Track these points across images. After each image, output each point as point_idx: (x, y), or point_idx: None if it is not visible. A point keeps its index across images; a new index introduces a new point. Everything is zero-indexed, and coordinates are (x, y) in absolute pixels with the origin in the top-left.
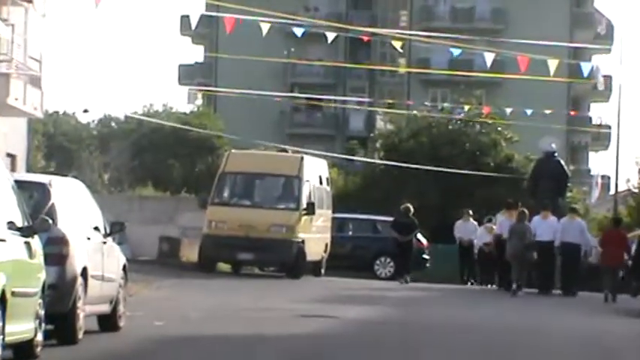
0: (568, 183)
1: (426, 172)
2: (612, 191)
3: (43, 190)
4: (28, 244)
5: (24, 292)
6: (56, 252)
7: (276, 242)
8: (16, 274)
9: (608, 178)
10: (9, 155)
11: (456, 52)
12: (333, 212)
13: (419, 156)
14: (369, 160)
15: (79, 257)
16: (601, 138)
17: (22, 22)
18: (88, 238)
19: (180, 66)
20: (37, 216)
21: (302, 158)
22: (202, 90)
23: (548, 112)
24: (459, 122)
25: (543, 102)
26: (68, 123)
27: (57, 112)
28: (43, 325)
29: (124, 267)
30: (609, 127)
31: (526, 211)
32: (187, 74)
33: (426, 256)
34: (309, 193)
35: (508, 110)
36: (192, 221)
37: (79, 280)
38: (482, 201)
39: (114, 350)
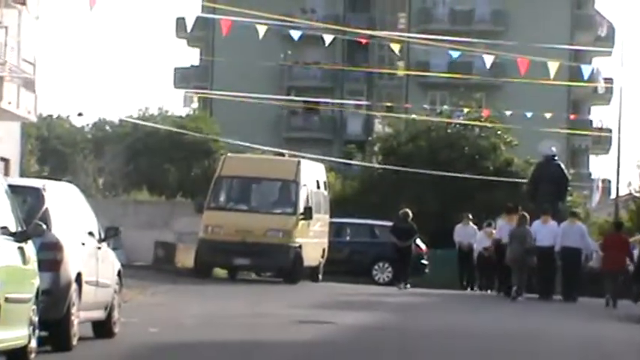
0: (568, 187)
1: (425, 176)
2: (613, 195)
3: (37, 194)
4: (21, 249)
5: (17, 298)
6: (50, 257)
7: (273, 247)
8: (10, 279)
9: (609, 181)
10: (2, 159)
11: (455, 54)
12: (331, 217)
13: (417, 160)
14: (366, 164)
15: (73, 263)
16: (602, 141)
17: (15, 24)
18: (83, 244)
19: (175, 69)
20: (31, 221)
21: (299, 162)
22: (198, 93)
23: (548, 115)
24: (458, 126)
25: (543, 105)
26: (62, 127)
27: (51, 116)
28: (36, 331)
29: (119, 273)
30: (610, 131)
31: (527, 215)
32: (183, 77)
33: (424, 262)
34: (307, 197)
35: (508, 113)
36: (188, 226)
37: (74, 285)
38: (482, 205)
39: (108, 357)
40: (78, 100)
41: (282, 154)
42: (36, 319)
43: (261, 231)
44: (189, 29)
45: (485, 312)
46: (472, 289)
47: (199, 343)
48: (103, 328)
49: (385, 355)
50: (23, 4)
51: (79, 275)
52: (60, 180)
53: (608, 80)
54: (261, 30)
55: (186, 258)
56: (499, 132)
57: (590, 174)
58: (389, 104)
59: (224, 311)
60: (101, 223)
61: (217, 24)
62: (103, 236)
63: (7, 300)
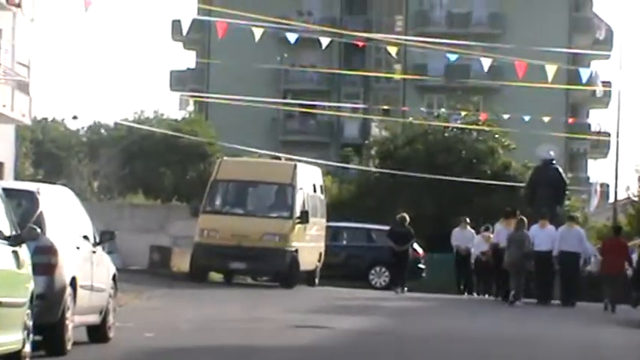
0: (566, 191)
1: (422, 180)
2: (611, 199)
3: (31, 198)
4: (15, 253)
5: (11, 303)
6: (45, 261)
7: (269, 251)
8: (4, 283)
9: (608, 186)
10: None
11: (453, 57)
12: (328, 221)
13: (414, 163)
14: (363, 167)
15: (68, 267)
16: (600, 145)
17: (9, 26)
18: (78, 248)
19: (171, 72)
20: (25, 225)
21: (295, 166)
22: (194, 96)
23: (546, 119)
24: (455, 129)
25: (541, 108)
26: (57, 130)
27: (45, 119)
28: (31, 335)
29: (114, 277)
30: (608, 134)
31: (524, 219)
32: (179, 80)
33: (421, 266)
34: (303, 201)
35: (505, 117)
36: (183, 230)
37: (68, 290)
38: (479, 209)
39: None
40: (73, 103)
41: (279, 158)
42: (30, 323)
43: (257, 235)
44: (185, 32)
45: (482, 317)
46: (470, 293)
47: (195, 348)
48: (97, 333)
49: None
50: (18, 6)
51: (73, 279)
52: (55, 183)
53: (607, 83)
54: (257, 33)
55: (181, 262)
56: (497, 135)
57: (588, 178)
58: (386, 107)
59: (220, 316)
60: (96, 226)
61: (213, 26)
62: (97, 240)
63: (0, 304)
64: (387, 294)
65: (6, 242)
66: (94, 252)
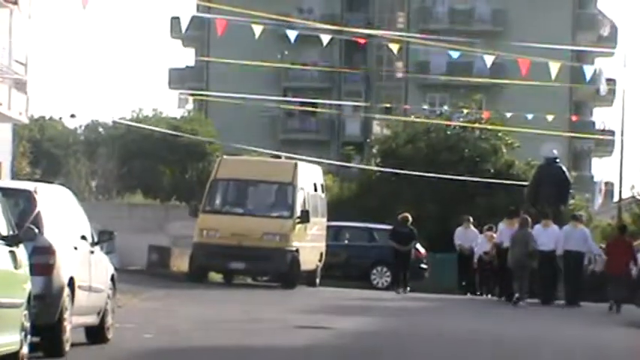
0: (570, 190)
1: (424, 179)
2: (616, 198)
3: (29, 197)
4: (13, 253)
5: (9, 303)
6: (42, 262)
7: (269, 251)
8: (1, 284)
9: (612, 184)
10: None
11: (455, 54)
12: (328, 220)
13: (416, 162)
14: (365, 166)
15: (65, 267)
16: (604, 143)
17: (6, 24)
18: (75, 248)
19: (170, 69)
20: (23, 225)
21: (296, 165)
22: (193, 94)
23: (550, 117)
24: (457, 127)
25: (545, 106)
26: (55, 128)
27: (43, 117)
28: (28, 337)
29: (113, 277)
30: (613, 133)
31: (528, 218)
32: (178, 78)
33: (424, 266)
34: (304, 200)
35: (508, 115)
36: (182, 230)
37: (66, 290)
38: (482, 208)
39: None
40: (70, 102)
41: (279, 157)
42: (28, 324)
43: (257, 235)
44: (184, 29)
45: (486, 317)
46: (473, 293)
47: (194, 349)
48: (96, 334)
49: None
50: (15, 3)
51: (71, 280)
52: (52, 183)
53: (611, 81)
54: (257, 30)
55: (181, 262)
56: (500, 134)
57: (592, 177)
58: (387, 105)
59: (220, 316)
60: (94, 226)
61: (212, 24)
62: (96, 240)
63: None
64: (388, 294)
65: (3, 242)
66: (92, 252)
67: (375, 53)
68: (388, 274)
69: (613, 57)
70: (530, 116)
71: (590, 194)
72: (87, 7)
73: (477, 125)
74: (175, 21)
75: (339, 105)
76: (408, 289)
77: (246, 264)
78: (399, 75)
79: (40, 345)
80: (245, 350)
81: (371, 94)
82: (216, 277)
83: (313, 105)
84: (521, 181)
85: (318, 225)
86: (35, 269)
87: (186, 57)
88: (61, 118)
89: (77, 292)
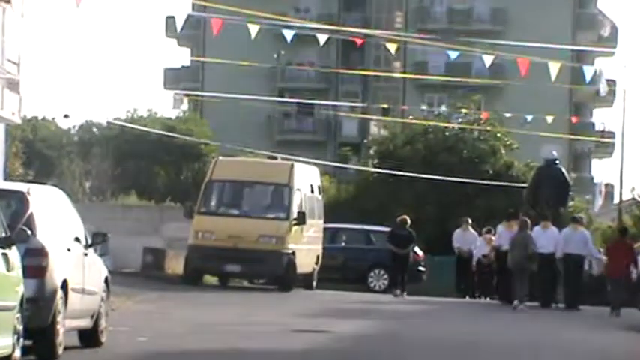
0: (570, 192)
1: (422, 181)
2: (616, 200)
3: (22, 199)
4: (5, 255)
5: (1, 306)
6: (35, 264)
7: (265, 253)
8: None
9: (612, 186)
10: None
11: (454, 54)
12: (325, 222)
13: (414, 163)
14: (362, 167)
15: (59, 269)
16: (604, 145)
17: None
18: (69, 250)
19: (165, 69)
20: (15, 226)
21: (292, 166)
22: (188, 94)
23: (549, 119)
24: (456, 128)
25: (544, 107)
26: (48, 129)
27: (36, 118)
28: (21, 340)
29: (106, 279)
30: (613, 134)
31: (528, 220)
32: (173, 78)
33: (422, 268)
34: (300, 202)
35: (507, 116)
36: (177, 232)
37: (59, 293)
38: (481, 210)
39: None
40: (64, 102)
41: (275, 158)
42: (20, 327)
43: (253, 237)
44: (179, 28)
45: (484, 320)
46: (472, 296)
47: (189, 352)
48: (89, 337)
49: None
50: (7, 1)
51: (65, 282)
52: (45, 184)
53: (611, 82)
54: (253, 29)
55: (175, 264)
56: (499, 135)
57: (592, 178)
58: (385, 106)
59: (215, 319)
60: (88, 228)
61: (208, 23)
62: (89, 242)
63: None
64: (386, 297)
65: None
66: (85, 254)
67: (373, 53)
68: (386, 276)
69: (613, 57)
70: (529, 117)
71: (590, 196)
72: (80, 5)
73: (475, 127)
74: (170, 20)
75: (336, 105)
76: (405, 293)
77: (242, 266)
78: (397, 75)
79: (32, 348)
80: (240, 354)
81: (368, 94)
82: (211, 279)
83: (310, 105)
84: (520, 182)
85: (315, 227)
86: (28, 271)
87: (182, 57)
88: (54, 119)
89: (70, 294)
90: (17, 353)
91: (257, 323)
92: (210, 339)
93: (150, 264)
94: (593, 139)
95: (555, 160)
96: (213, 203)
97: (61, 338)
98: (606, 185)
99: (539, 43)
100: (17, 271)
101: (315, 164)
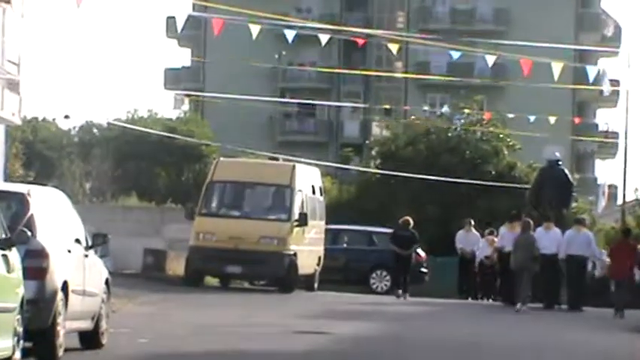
0: (573, 193)
1: (424, 182)
2: (620, 201)
3: (22, 200)
4: (5, 257)
5: (1, 308)
6: (35, 265)
7: (266, 255)
8: None
9: (616, 187)
10: None
11: (456, 55)
12: (327, 223)
13: (416, 164)
14: (364, 168)
15: (59, 271)
16: (608, 145)
17: None
18: (69, 251)
19: (166, 70)
20: (16, 227)
21: (294, 167)
22: (189, 95)
23: (552, 119)
24: (458, 128)
25: (547, 107)
26: (48, 130)
27: (36, 118)
28: (21, 342)
29: (107, 281)
30: (617, 134)
31: (531, 222)
32: (173, 78)
33: (424, 270)
34: (302, 203)
35: (510, 116)
36: (178, 233)
37: (60, 295)
38: (483, 212)
39: None
40: (64, 102)
41: (276, 159)
42: (20, 329)
43: (254, 238)
44: (179, 29)
45: (487, 322)
46: (474, 298)
47: (190, 354)
48: (90, 339)
49: None
50: (7, 2)
51: (65, 284)
52: (45, 185)
53: (615, 82)
54: (255, 30)
55: (176, 266)
56: (501, 135)
57: (596, 179)
58: (387, 106)
59: (216, 321)
60: (88, 229)
61: (209, 23)
62: (90, 243)
63: None
64: (388, 299)
65: None
66: (86, 256)
67: (375, 53)
68: (388, 278)
69: (617, 57)
70: (532, 118)
71: (593, 197)
72: (81, 5)
73: (478, 127)
74: (171, 20)
75: (338, 106)
76: (407, 294)
77: (243, 268)
78: (399, 75)
79: (32, 350)
80: (241, 356)
81: (370, 94)
82: (212, 281)
83: (312, 106)
84: (523, 183)
85: (317, 228)
86: (28, 273)
87: (182, 57)
88: (54, 119)
89: (71, 296)
90: (17, 355)
91: (258, 325)
92: (211, 341)
93: (151, 265)
94: (597, 139)
95: (558, 160)
96: (214, 204)
97: (61, 340)
98: (610, 186)
99: (542, 43)
100: (17, 272)
101: (316, 165)
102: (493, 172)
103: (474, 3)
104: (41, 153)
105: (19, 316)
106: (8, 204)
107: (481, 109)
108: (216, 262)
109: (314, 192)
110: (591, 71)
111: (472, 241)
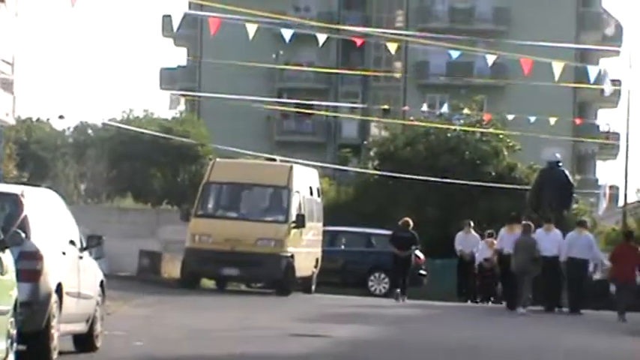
0: (573, 194)
1: (423, 183)
2: (621, 202)
3: (15, 201)
4: None
5: None
6: (29, 267)
7: (263, 257)
8: None
9: (617, 188)
10: None
11: (455, 54)
12: (325, 225)
13: (415, 165)
14: (362, 169)
15: (53, 273)
16: (609, 146)
17: None
18: (64, 253)
19: (161, 69)
20: (9, 229)
21: (291, 168)
22: (185, 95)
23: (552, 120)
24: (457, 129)
25: (548, 108)
26: (42, 130)
27: (30, 119)
28: (14, 345)
29: (102, 283)
30: (618, 135)
31: (531, 224)
32: (169, 78)
33: (423, 272)
34: (299, 204)
35: (510, 117)
36: (174, 235)
37: (54, 297)
38: (483, 213)
39: None
40: (59, 102)
41: (274, 159)
42: (14, 332)
43: (251, 240)
44: (175, 28)
45: (487, 325)
46: (473, 300)
47: (186, 357)
48: (84, 342)
49: None
50: (1, 1)
51: (59, 286)
52: (39, 186)
53: (616, 82)
54: (252, 29)
55: (172, 268)
56: (501, 136)
57: (596, 180)
58: (386, 107)
59: (212, 324)
60: (83, 231)
61: (205, 22)
62: (84, 245)
63: None
64: (386, 301)
65: None
66: (80, 257)
67: (373, 53)
68: (386, 280)
69: (618, 57)
70: (532, 118)
71: (594, 198)
72: (75, 4)
73: (477, 128)
74: (167, 19)
75: (336, 106)
76: (405, 297)
77: (240, 270)
78: (397, 75)
79: (26, 353)
80: (238, 359)
81: (368, 94)
82: (208, 283)
83: (309, 106)
84: (523, 184)
85: (314, 230)
86: (22, 275)
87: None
88: (48, 120)
89: (65, 298)
90: (11, 358)
91: (255, 328)
92: (207, 344)
93: (146, 267)
94: (598, 140)
95: (558, 162)
96: (210, 206)
97: (55, 343)
98: (611, 187)
99: (543, 42)
100: (11, 274)
101: (314, 166)
102: (493, 173)
103: (474, 2)
104: (35, 153)
105: (12, 319)
106: (2, 205)
107: (481, 109)
108: (213, 264)
109: (312, 193)
110: (592, 71)
111: (471, 242)
